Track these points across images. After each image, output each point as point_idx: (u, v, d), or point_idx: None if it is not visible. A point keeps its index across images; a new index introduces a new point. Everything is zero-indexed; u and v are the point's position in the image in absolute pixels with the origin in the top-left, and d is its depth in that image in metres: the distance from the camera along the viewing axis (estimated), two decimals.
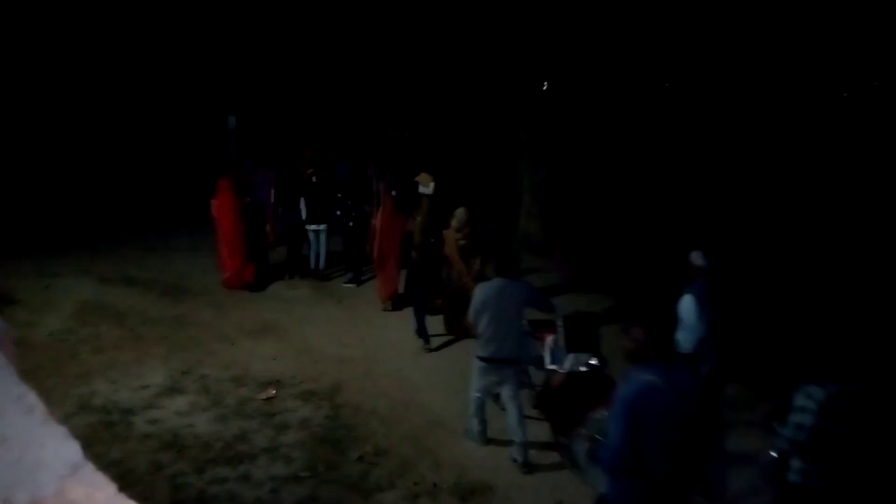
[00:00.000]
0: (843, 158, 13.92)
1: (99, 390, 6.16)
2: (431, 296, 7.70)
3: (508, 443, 5.43)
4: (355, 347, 7.38)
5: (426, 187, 8.50)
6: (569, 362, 5.26)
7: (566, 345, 5.34)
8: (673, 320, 4.55)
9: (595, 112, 11.66)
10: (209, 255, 10.35)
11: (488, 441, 5.49)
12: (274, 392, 6.27)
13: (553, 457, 5.39)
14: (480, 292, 5.18)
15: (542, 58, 10.34)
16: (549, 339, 5.49)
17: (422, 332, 7.42)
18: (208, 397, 6.14)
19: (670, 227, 10.88)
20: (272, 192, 9.28)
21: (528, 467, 5.15)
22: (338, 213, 9.21)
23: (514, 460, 5.22)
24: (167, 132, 14.05)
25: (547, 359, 5.48)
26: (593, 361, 5.20)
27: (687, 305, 4.86)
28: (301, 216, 9.33)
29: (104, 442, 5.29)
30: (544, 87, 10.94)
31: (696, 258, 5.11)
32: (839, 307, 7.68)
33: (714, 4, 11.05)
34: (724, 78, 14.88)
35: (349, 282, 9.39)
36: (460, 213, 7.27)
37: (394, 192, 8.53)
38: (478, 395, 5.33)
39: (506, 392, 5.26)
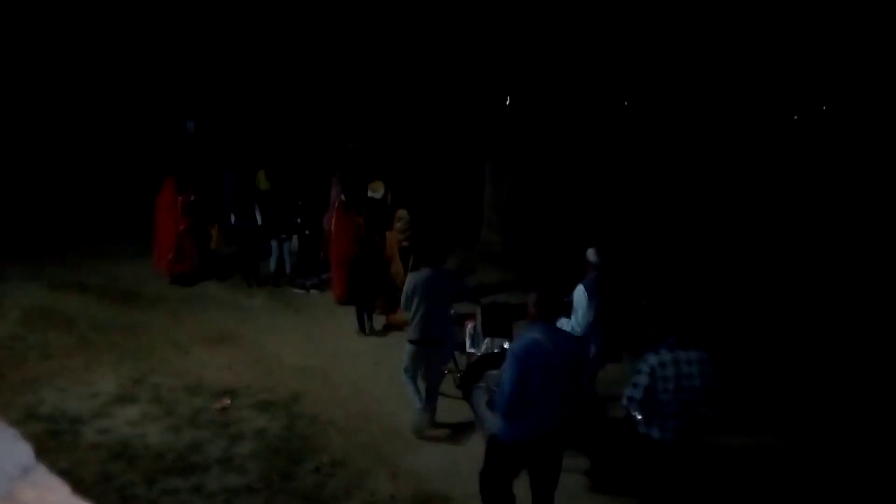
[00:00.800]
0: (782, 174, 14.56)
1: (47, 398, 5.98)
2: (373, 292, 8.12)
3: (467, 452, 5.45)
4: (313, 357, 7.30)
5: (375, 193, 8.96)
6: (485, 345, 6.10)
7: (483, 330, 6.11)
8: (560, 290, 4.98)
9: (556, 127, 11.83)
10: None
11: (436, 424, 5.88)
12: (229, 402, 6.17)
13: None
14: (410, 280, 5.79)
15: (506, 72, 10.46)
16: (470, 325, 6.23)
17: (360, 321, 7.92)
18: (161, 406, 6.00)
19: (626, 237, 11.10)
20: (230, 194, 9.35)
21: (433, 424, 5.82)
22: (297, 220, 9.23)
23: (419, 412, 5.74)
24: (124, 136, 13.75)
25: (467, 343, 6.22)
26: (506, 345, 5.69)
27: (579, 295, 5.50)
28: (256, 223, 9.32)
29: (51, 451, 5.12)
30: (507, 102, 11.07)
31: (591, 255, 5.71)
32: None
33: (670, 25, 11.34)
34: (681, 96, 15.30)
35: (313, 287, 9.40)
36: (403, 213, 8.04)
37: (343, 198, 8.89)
38: (409, 374, 5.83)
39: (430, 369, 5.83)
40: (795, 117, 18.72)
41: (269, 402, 6.24)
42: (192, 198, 9.32)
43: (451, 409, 6.31)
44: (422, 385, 5.87)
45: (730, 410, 6.04)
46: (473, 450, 5.69)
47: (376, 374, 6.99)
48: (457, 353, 6.41)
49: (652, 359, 4.00)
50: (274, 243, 9.44)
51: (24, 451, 0.73)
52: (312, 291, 9.37)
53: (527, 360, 3.82)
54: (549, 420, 3.93)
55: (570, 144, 14.55)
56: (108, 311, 8.22)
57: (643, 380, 3.99)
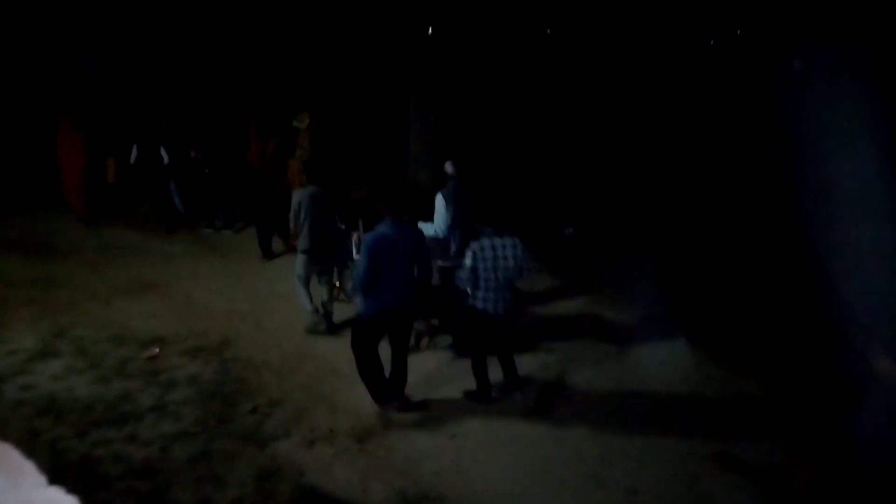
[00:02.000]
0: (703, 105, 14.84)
1: None
2: (272, 219, 8.29)
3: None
4: (243, 301, 7.20)
5: (300, 123, 8.80)
6: None
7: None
8: (407, 196, 6.04)
9: (481, 60, 11.69)
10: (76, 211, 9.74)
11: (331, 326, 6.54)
12: (157, 350, 6.05)
13: (449, 391, 5.58)
14: (295, 197, 6.28)
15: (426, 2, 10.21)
16: (355, 235, 6.94)
17: (263, 247, 8.35)
18: (85, 359, 5.84)
19: (548, 169, 11.28)
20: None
21: (331, 328, 6.52)
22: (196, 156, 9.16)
23: (311, 314, 6.49)
24: (22, 81, 12.76)
25: (353, 250, 6.90)
26: None
27: (438, 202, 6.24)
28: (163, 163, 9.11)
29: None
30: (429, 32, 10.83)
31: (448, 167, 6.44)
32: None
33: None
34: (603, 26, 15.28)
35: (224, 227, 9.35)
36: (304, 142, 8.11)
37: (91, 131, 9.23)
38: (301, 281, 6.46)
39: (322, 277, 6.57)
40: (711, 42, 18.98)
41: (200, 348, 6.16)
42: (91, 132, 9.25)
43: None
44: (320, 292, 6.60)
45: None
46: (410, 383, 5.84)
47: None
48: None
49: (474, 245, 5.04)
50: (173, 184, 9.28)
51: None
52: (224, 232, 9.26)
53: (375, 249, 4.83)
54: (398, 297, 5.00)
55: (494, 76, 14.41)
56: (21, 266, 7.82)
57: (468, 261, 5.04)
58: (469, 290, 5.17)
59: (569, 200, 10.04)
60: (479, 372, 5.42)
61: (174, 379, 5.63)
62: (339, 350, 6.29)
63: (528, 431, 5.16)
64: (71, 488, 3.85)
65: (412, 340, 5.74)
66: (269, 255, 8.42)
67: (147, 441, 4.80)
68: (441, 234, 6.19)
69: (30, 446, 4.55)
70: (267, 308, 7.06)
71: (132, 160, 9.25)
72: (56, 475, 3.86)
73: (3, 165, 10.66)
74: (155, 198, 9.46)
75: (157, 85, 11.65)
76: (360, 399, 5.50)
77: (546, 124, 13.79)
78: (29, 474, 0.76)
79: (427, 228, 6.01)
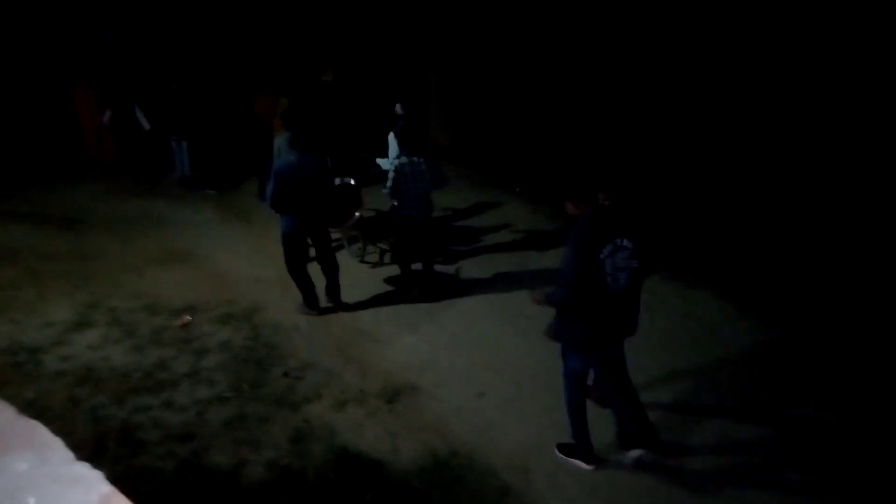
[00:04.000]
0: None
1: (1, 331, 5.87)
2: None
3: (430, 347, 5.66)
4: (270, 268, 7.26)
5: (326, 76, 9.47)
6: (337, 180, 7.42)
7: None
8: (312, 128, 6.52)
9: (500, 18, 11.40)
10: (102, 184, 9.90)
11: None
12: (189, 318, 6.17)
13: (469, 355, 5.63)
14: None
15: None
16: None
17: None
18: (120, 329, 5.97)
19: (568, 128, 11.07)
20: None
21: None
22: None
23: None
24: (36, 57, 12.80)
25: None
26: (351, 181, 7.67)
27: (391, 139, 7.56)
28: (142, 125, 9.79)
29: (15, 384, 5.10)
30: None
31: (398, 108, 7.80)
32: None
33: None
34: None
35: (212, 188, 9.82)
36: (284, 101, 8.47)
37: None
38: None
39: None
40: None
41: (231, 315, 6.27)
42: (100, 91, 9.98)
43: (410, 302, 6.49)
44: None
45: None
46: (437, 343, 5.89)
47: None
48: None
49: (396, 163, 6.15)
50: (174, 144, 9.83)
51: None
52: (209, 192, 9.71)
53: (280, 173, 5.73)
54: (309, 215, 5.92)
55: (513, 35, 14.06)
56: (52, 240, 7.97)
57: (391, 177, 6.14)
58: (396, 201, 6.31)
59: (597, 166, 9.86)
60: (405, 268, 6.74)
61: (206, 346, 5.75)
62: (368, 313, 6.37)
63: (556, 386, 5.19)
64: (112, 454, 3.98)
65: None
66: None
67: (183, 407, 4.93)
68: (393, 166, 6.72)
69: (71, 415, 4.72)
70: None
71: (105, 120, 9.89)
72: (98, 442, 3.99)
73: (26, 140, 10.84)
74: (129, 157, 10.17)
75: (171, 56, 11.69)
76: (388, 360, 5.59)
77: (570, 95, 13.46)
78: (58, 450, 0.78)
79: (384, 163, 7.39)
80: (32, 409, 4.80)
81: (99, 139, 10.31)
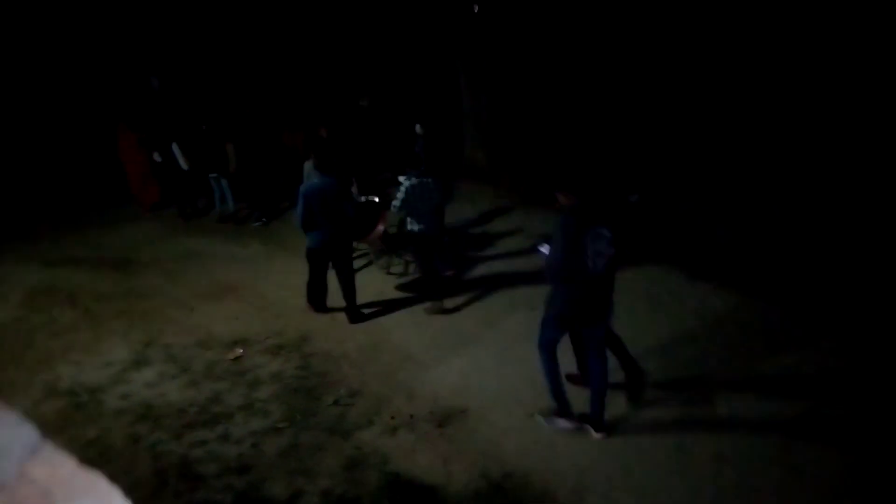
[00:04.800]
0: None
1: (63, 373, 6.10)
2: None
3: (476, 368, 5.63)
4: None
5: (364, 102, 9.84)
6: (362, 199, 8.02)
7: (358, 192, 8.11)
8: (334, 153, 6.65)
9: (532, 37, 11.43)
10: (150, 223, 10.21)
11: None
12: (241, 351, 6.29)
13: (514, 375, 5.59)
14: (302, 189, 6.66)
15: None
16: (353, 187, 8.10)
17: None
18: (175, 365, 6.13)
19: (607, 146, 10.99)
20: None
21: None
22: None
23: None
24: (85, 105, 13.33)
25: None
26: (375, 199, 8.05)
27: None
28: (179, 164, 9.99)
29: (77, 424, 5.28)
30: (475, 9, 10.69)
31: (418, 129, 8.11)
32: None
33: None
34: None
35: (256, 221, 10.04)
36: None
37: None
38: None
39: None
40: None
41: (281, 346, 6.37)
42: (143, 135, 10.29)
43: (454, 324, 6.50)
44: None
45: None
46: (482, 364, 5.87)
47: (380, 305, 7.11)
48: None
49: (406, 182, 6.38)
50: (213, 183, 10.08)
51: (29, 432, 0.76)
52: (256, 224, 10.00)
53: (308, 195, 6.15)
54: (330, 232, 6.33)
55: (546, 54, 14.09)
56: (107, 281, 8.26)
57: (401, 195, 6.36)
58: (407, 218, 6.58)
59: (633, 167, 9.79)
60: (430, 277, 6.91)
61: (259, 377, 5.85)
62: (413, 338, 6.39)
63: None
64: (173, 489, 4.06)
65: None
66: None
67: (239, 439, 5.02)
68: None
69: (132, 452, 4.85)
70: (339, 301, 7.20)
71: (156, 158, 10.22)
72: (158, 478, 4.09)
73: (74, 180, 11.31)
74: (179, 196, 10.52)
75: (202, 97, 12.12)
76: (436, 384, 5.59)
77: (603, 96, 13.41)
78: (116, 499, 0.81)
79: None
80: (95, 447, 4.95)
81: (143, 182, 10.71)
